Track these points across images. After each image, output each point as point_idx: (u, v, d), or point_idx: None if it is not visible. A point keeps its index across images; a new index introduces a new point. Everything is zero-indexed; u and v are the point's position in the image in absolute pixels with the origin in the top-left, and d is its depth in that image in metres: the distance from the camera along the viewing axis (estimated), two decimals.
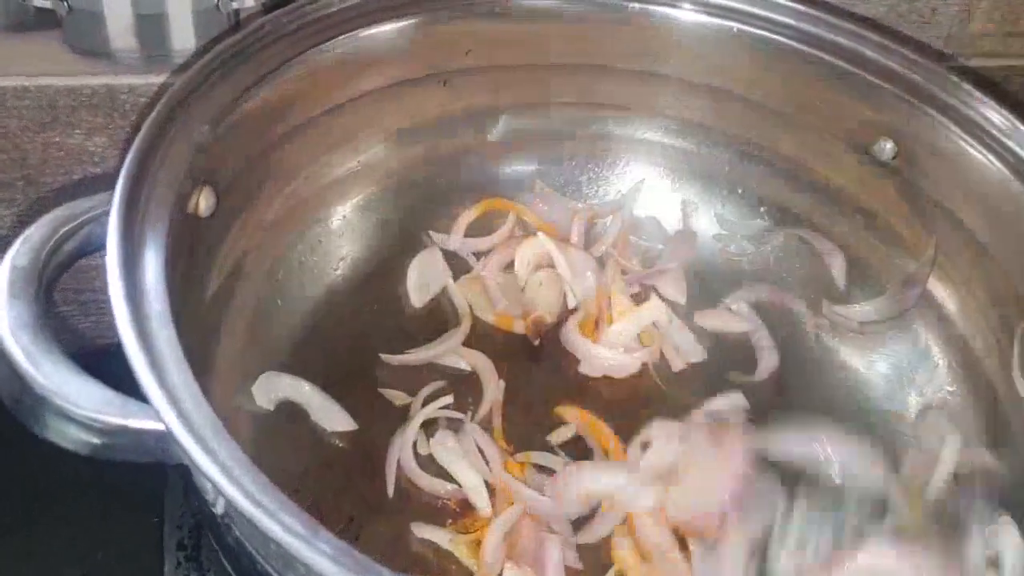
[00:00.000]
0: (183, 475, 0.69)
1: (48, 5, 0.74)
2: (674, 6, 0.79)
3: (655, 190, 0.88)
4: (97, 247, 0.60)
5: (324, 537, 0.47)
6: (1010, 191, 0.71)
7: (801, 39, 0.78)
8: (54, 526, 0.77)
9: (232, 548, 0.56)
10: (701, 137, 0.86)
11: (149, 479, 0.73)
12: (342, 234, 0.82)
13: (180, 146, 0.64)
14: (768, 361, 0.80)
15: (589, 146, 0.88)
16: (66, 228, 0.61)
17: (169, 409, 0.51)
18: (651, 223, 0.88)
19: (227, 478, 0.49)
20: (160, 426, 0.52)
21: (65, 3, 0.74)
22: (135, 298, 0.56)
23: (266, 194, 0.76)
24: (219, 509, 0.55)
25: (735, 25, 0.79)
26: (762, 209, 0.87)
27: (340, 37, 0.75)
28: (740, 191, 0.87)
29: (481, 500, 0.70)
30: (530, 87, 0.84)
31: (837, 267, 0.83)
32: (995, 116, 0.73)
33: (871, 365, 0.81)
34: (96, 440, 0.54)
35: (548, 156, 0.88)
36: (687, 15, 0.79)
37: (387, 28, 0.77)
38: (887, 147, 0.78)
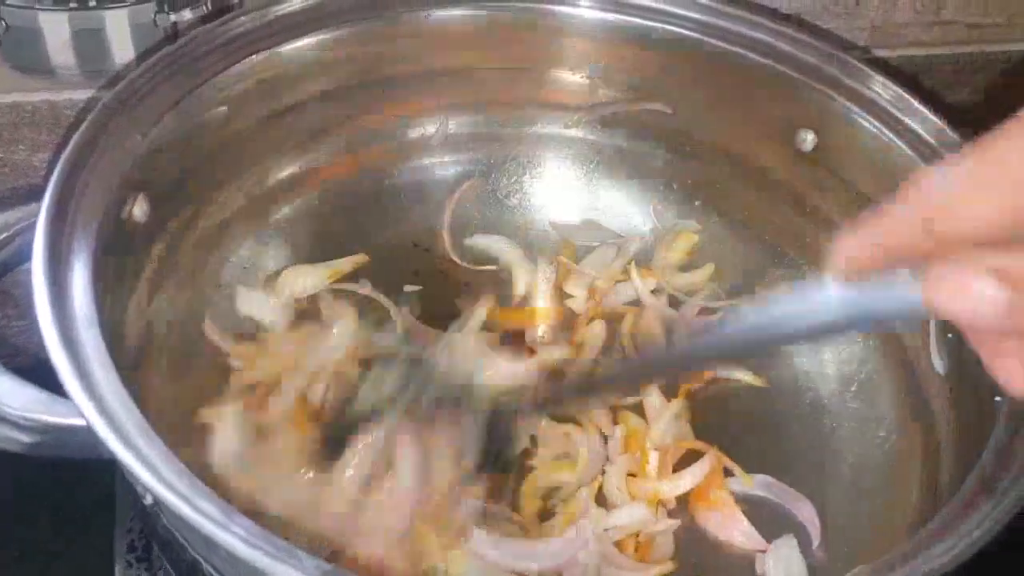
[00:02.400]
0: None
1: None
2: (575, 5, 0.82)
3: (591, 188, 0.90)
4: (29, 257, 0.62)
5: (239, 521, 0.49)
6: (916, 168, 0.73)
7: (713, 34, 0.80)
8: (5, 539, 0.78)
9: (164, 537, 0.58)
10: (632, 134, 0.88)
11: (100, 488, 0.75)
12: (283, 240, 0.84)
13: (112, 155, 0.66)
14: None
15: (526, 146, 0.90)
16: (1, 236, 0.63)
17: (88, 404, 0.53)
18: (590, 225, 0.90)
19: (147, 469, 0.51)
20: (83, 422, 0.53)
21: (2, 21, 0.76)
22: (61, 301, 0.58)
23: (204, 201, 0.77)
24: (148, 500, 0.57)
25: (648, 23, 0.81)
26: (696, 203, 0.88)
27: (275, 48, 0.77)
28: (675, 186, 0.89)
29: None
30: (466, 90, 0.86)
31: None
32: (906, 105, 0.76)
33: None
34: (26, 438, 0.56)
35: (486, 158, 0.90)
36: (595, 14, 0.82)
37: (322, 37, 0.79)
38: (808, 138, 0.80)
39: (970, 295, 0.34)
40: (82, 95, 0.82)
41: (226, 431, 0.68)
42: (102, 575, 0.73)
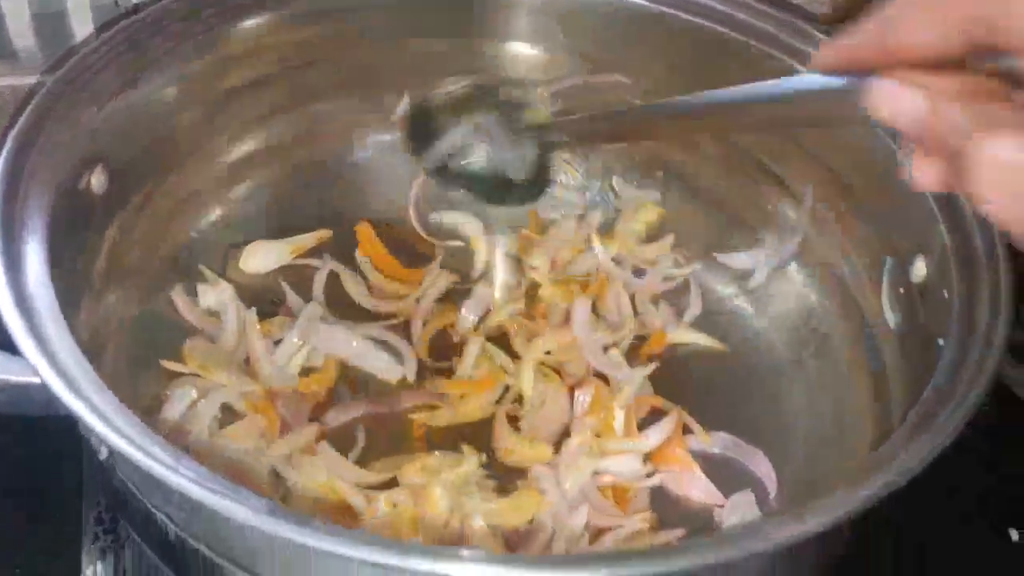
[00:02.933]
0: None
1: None
2: None
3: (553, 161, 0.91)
4: None
5: (188, 464, 0.50)
6: (869, 133, 0.74)
7: (671, 4, 0.81)
8: None
9: (119, 491, 0.59)
10: (592, 107, 0.88)
11: (68, 469, 0.75)
12: (245, 215, 0.84)
13: (67, 126, 0.67)
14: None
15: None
16: None
17: (41, 360, 0.54)
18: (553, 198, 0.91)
19: (98, 418, 0.52)
20: (37, 379, 0.54)
21: None
22: (15, 264, 0.59)
23: (164, 176, 0.78)
24: (103, 454, 0.57)
25: None
26: (658, 174, 0.89)
27: (230, 24, 0.78)
28: (636, 158, 0.90)
29: None
30: (425, 65, 0.87)
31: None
32: None
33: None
34: None
35: None
36: None
37: (280, 13, 0.80)
38: None
39: (900, 101, 0.42)
40: (47, 79, 0.82)
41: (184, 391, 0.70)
42: (71, 549, 0.73)
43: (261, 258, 0.82)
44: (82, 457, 0.75)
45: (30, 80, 0.81)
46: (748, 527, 0.57)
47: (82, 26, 0.80)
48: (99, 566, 0.71)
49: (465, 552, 0.47)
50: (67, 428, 0.66)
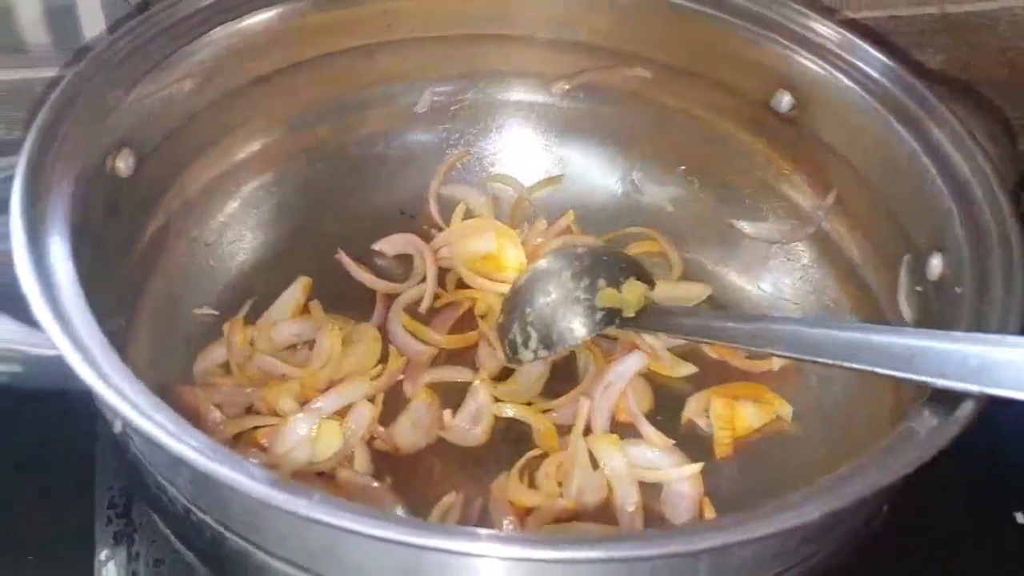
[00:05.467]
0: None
1: None
2: None
3: (569, 153, 0.91)
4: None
5: (197, 436, 0.51)
6: (892, 133, 0.74)
7: None
8: None
9: (132, 465, 0.60)
10: (613, 100, 0.89)
11: (81, 453, 0.76)
12: (269, 203, 0.85)
13: (93, 110, 0.69)
14: None
15: (507, 114, 0.91)
16: None
17: (60, 334, 0.55)
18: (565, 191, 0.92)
19: (113, 391, 0.53)
20: (56, 351, 0.55)
21: None
22: (36, 240, 0.60)
23: (190, 162, 0.79)
24: (118, 427, 0.58)
25: None
26: (680, 169, 0.90)
27: (251, 15, 0.78)
28: (655, 151, 0.90)
29: None
30: (447, 59, 0.88)
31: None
32: (877, 63, 0.77)
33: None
34: (4, 367, 0.58)
35: (470, 126, 0.91)
36: None
37: (304, 3, 0.81)
38: (785, 99, 0.81)
39: None
40: (57, 72, 0.84)
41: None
42: (83, 534, 0.74)
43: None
44: (95, 442, 0.77)
45: (41, 73, 0.84)
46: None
47: (92, 22, 0.82)
48: (113, 549, 0.72)
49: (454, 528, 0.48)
50: (81, 411, 0.68)
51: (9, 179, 0.65)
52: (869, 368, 0.59)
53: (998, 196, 0.67)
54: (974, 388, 0.53)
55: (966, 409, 0.54)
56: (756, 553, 0.53)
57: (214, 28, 0.76)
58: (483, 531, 0.49)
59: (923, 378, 0.55)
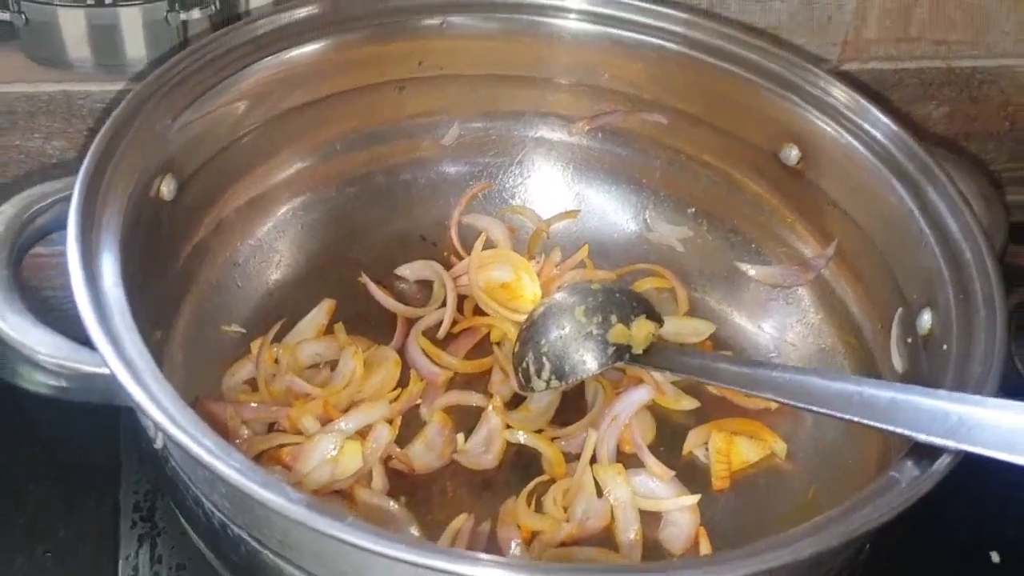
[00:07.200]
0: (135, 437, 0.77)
1: (6, 17, 0.81)
2: (569, 18, 0.88)
3: (588, 191, 0.96)
4: (65, 224, 0.68)
5: (236, 456, 0.55)
6: (892, 192, 0.79)
7: (705, 50, 0.86)
8: (15, 506, 0.80)
9: (170, 480, 0.64)
10: (629, 143, 0.93)
11: (104, 457, 0.81)
12: (298, 227, 0.90)
13: (143, 136, 0.73)
14: None
15: (532, 150, 0.96)
16: (38, 205, 0.70)
17: (111, 353, 0.59)
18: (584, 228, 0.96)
19: (159, 409, 0.57)
20: (106, 370, 0.60)
21: (23, 15, 0.82)
22: (91, 262, 0.64)
23: (226, 187, 0.84)
24: (158, 443, 0.63)
25: (639, 36, 0.87)
26: (690, 211, 0.94)
27: (290, 49, 0.83)
28: (667, 194, 0.94)
29: None
30: (474, 96, 0.92)
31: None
32: (883, 126, 0.81)
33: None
34: (53, 382, 0.63)
35: (493, 160, 0.96)
36: (597, 28, 0.88)
37: (343, 38, 0.85)
38: (792, 153, 0.86)
39: None
40: (96, 87, 0.88)
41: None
42: (107, 535, 0.78)
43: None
44: (119, 445, 0.81)
45: (82, 87, 0.88)
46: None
47: (133, 40, 0.85)
48: (137, 552, 0.76)
49: (484, 556, 0.52)
50: (109, 418, 0.72)
51: (61, 200, 0.69)
52: (857, 419, 0.63)
53: (986, 260, 0.71)
54: (951, 444, 0.58)
55: (943, 463, 0.58)
56: None
57: (258, 60, 0.81)
58: (521, 560, 0.53)
59: (905, 431, 0.60)
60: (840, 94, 0.83)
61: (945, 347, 0.68)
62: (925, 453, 0.60)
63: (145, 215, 0.73)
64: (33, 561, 0.76)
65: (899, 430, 0.60)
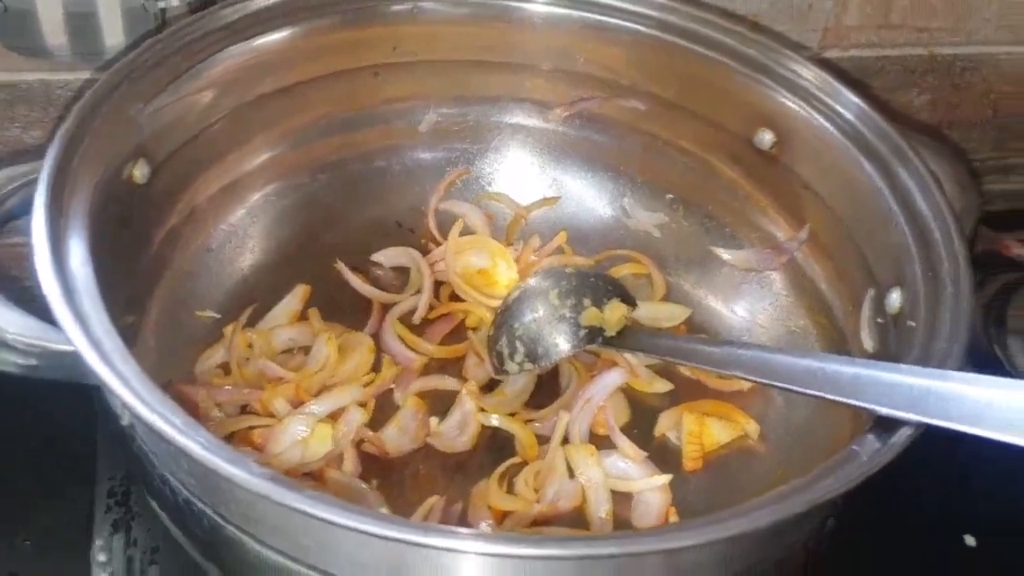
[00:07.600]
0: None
1: None
2: (535, 2, 0.88)
3: (564, 178, 0.96)
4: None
5: (201, 432, 0.55)
6: (863, 173, 0.79)
7: (681, 34, 0.86)
8: None
9: (136, 457, 0.64)
10: (606, 129, 0.94)
11: (80, 444, 0.81)
12: (272, 213, 0.90)
13: (114, 120, 0.73)
14: None
15: (509, 136, 0.96)
16: (4, 189, 0.70)
17: (76, 330, 0.59)
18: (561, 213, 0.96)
19: (123, 385, 0.57)
20: (73, 347, 0.60)
21: (1, 3, 0.81)
22: (57, 243, 0.64)
23: (200, 172, 0.84)
24: (125, 420, 0.63)
25: (614, 20, 0.87)
26: (667, 197, 0.94)
27: (260, 36, 0.83)
28: (645, 180, 0.95)
29: None
30: (449, 83, 0.93)
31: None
32: (854, 107, 0.81)
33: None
34: (21, 360, 0.63)
35: (470, 147, 0.96)
36: (575, 12, 0.88)
37: (315, 24, 0.85)
38: (766, 137, 0.86)
39: None
40: (75, 75, 0.88)
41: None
42: (83, 522, 0.78)
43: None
44: (95, 432, 0.81)
45: (61, 76, 0.88)
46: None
47: (112, 28, 0.85)
48: (111, 537, 0.76)
49: (442, 527, 0.52)
50: (84, 404, 0.72)
51: (28, 184, 0.69)
52: (821, 394, 0.63)
53: (954, 238, 0.71)
54: (912, 416, 0.58)
55: (903, 435, 0.59)
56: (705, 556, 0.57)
57: (231, 46, 0.81)
58: (462, 529, 0.54)
59: (867, 405, 0.60)
60: (811, 75, 0.83)
61: (912, 323, 0.68)
62: (887, 427, 0.60)
63: (116, 200, 0.73)
64: (13, 549, 0.77)
65: (862, 403, 0.61)
